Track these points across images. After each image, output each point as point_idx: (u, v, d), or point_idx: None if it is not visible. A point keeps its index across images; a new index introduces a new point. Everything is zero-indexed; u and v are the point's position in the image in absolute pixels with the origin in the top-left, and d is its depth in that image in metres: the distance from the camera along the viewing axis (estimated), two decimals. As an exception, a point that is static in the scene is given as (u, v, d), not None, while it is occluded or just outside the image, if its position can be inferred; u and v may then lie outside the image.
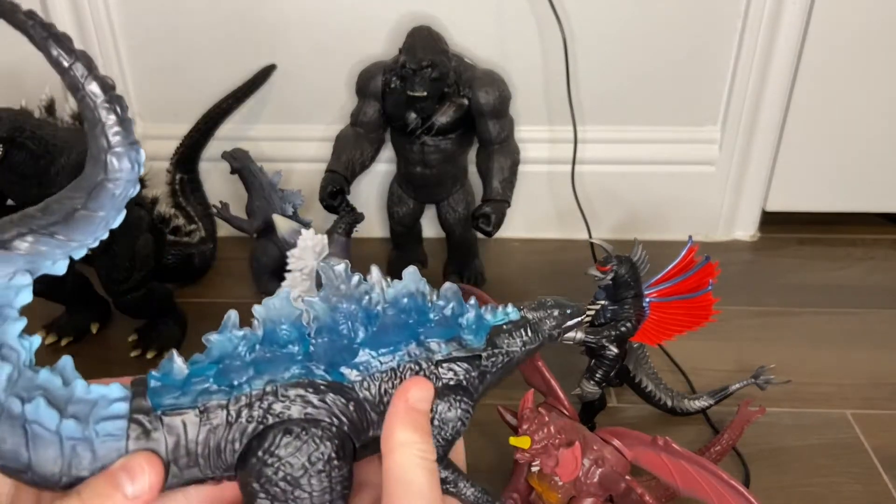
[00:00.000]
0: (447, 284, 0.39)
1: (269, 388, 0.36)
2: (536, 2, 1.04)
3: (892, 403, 0.90)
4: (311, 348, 0.36)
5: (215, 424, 0.35)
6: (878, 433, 0.85)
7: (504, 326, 0.41)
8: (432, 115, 0.97)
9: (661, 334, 0.78)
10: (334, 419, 0.36)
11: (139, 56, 1.11)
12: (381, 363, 0.38)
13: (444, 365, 0.39)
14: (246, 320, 0.36)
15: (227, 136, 1.13)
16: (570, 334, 0.79)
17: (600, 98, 1.11)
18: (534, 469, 0.67)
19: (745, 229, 1.22)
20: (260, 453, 0.35)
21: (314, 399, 0.36)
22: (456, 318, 0.39)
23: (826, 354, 0.97)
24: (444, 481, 0.39)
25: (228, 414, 0.35)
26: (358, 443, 0.38)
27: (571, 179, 1.12)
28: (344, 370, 0.37)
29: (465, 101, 0.98)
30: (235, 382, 0.35)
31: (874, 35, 1.05)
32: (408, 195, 1.06)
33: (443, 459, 0.39)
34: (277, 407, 0.36)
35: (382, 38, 1.07)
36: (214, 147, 1.12)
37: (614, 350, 0.78)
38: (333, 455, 0.36)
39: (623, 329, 0.77)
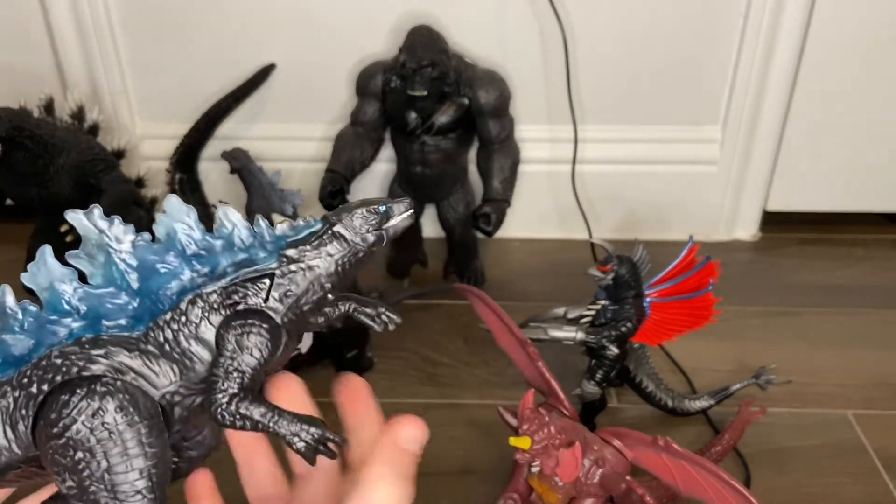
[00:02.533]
0: (223, 209, 0.36)
1: (46, 353, 0.34)
2: (537, 1, 1.04)
3: (893, 404, 0.89)
4: (83, 306, 0.35)
5: (5, 403, 0.34)
6: (879, 434, 0.85)
7: (302, 238, 0.37)
8: (432, 115, 0.97)
9: (662, 334, 0.77)
10: (115, 372, 0.34)
11: (138, 55, 1.11)
12: (163, 304, 0.35)
13: (230, 289, 0.36)
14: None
15: (226, 135, 1.12)
16: (570, 334, 0.80)
17: (601, 97, 1.11)
18: (534, 470, 0.67)
19: (746, 229, 1.21)
20: (42, 423, 0.33)
21: (90, 354, 0.34)
22: (243, 241, 0.36)
23: (827, 354, 0.97)
24: (245, 417, 0.35)
25: (14, 389, 0.34)
26: (156, 395, 0.35)
27: (572, 179, 1.11)
28: (124, 321, 0.35)
29: (466, 101, 0.97)
30: (19, 356, 0.34)
31: (875, 34, 1.05)
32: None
33: (244, 391, 0.35)
34: (51, 370, 0.34)
35: (382, 37, 1.07)
36: (214, 147, 1.11)
37: (615, 350, 0.78)
38: (118, 409, 0.33)
39: (623, 329, 0.77)
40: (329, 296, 0.38)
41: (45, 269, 0.34)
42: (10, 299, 0.34)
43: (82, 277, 0.35)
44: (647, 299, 0.77)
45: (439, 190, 1.04)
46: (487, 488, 0.77)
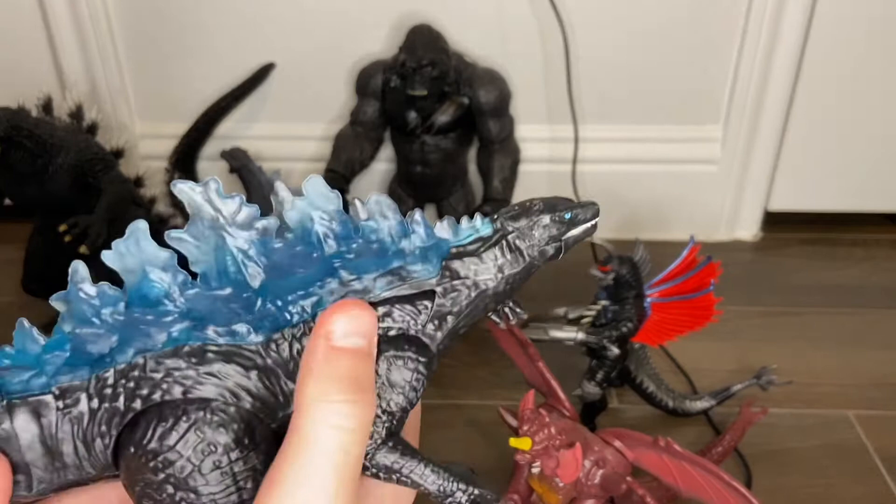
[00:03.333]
0: (377, 197, 0.29)
1: (138, 361, 0.28)
2: (537, 0, 1.04)
3: (894, 404, 0.89)
4: (191, 303, 0.28)
5: (78, 412, 0.28)
6: (880, 434, 0.85)
7: (469, 247, 0.30)
8: (432, 114, 0.97)
9: (663, 335, 0.77)
10: (230, 396, 0.28)
11: (137, 55, 1.11)
12: (290, 314, 0.29)
13: (381, 309, 0.30)
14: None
15: (225, 134, 1.12)
16: (570, 335, 0.79)
17: (601, 97, 1.11)
18: (534, 470, 0.66)
19: (747, 229, 1.21)
20: (132, 449, 0.28)
21: (199, 371, 0.28)
22: (395, 242, 0.29)
23: (828, 355, 0.97)
24: (390, 470, 0.29)
25: (90, 398, 0.28)
26: (274, 422, 0.29)
27: (572, 179, 1.11)
28: (238, 328, 0.28)
29: (466, 100, 0.97)
30: (96, 355, 0.28)
31: (877, 33, 1.05)
32: (407, 195, 1.06)
33: (390, 438, 0.29)
34: (147, 385, 0.28)
35: (382, 36, 1.07)
36: (213, 146, 1.11)
37: (615, 350, 0.77)
38: (232, 444, 0.28)
39: (624, 329, 0.76)
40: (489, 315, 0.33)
41: (138, 248, 0.27)
42: (85, 279, 0.27)
43: (184, 263, 0.28)
44: (648, 299, 0.77)
45: (439, 190, 1.04)
46: (488, 489, 0.77)
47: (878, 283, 1.11)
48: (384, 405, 0.29)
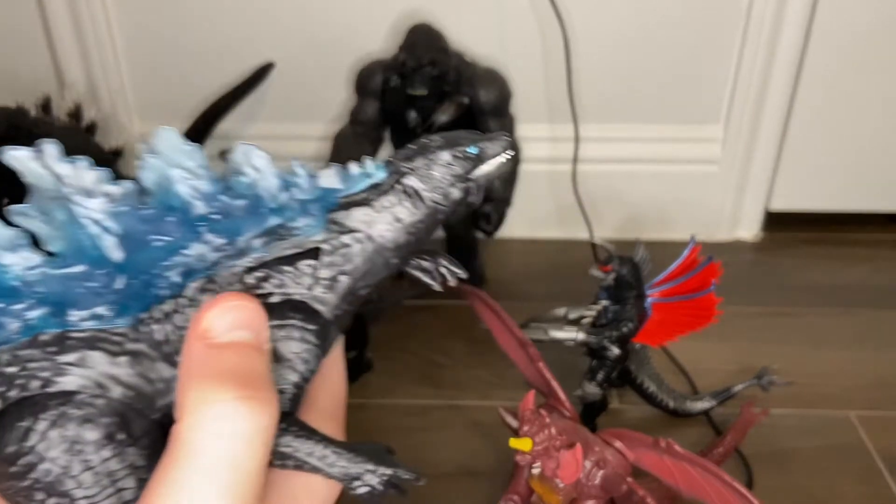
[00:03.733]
0: (244, 147, 0.26)
1: None
2: (537, -1, 1.04)
3: (896, 405, 0.89)
4: (42, 288, 0.24)
5: None
6: (882, 435, 0.85)
7: (359, 196, 0.27)
8: (432, 114, 0.96)
9: (664, 335, 0.77)
10: (96, 387, 0.25)
11: (136, 54, 1.11)
12: (158, 289, 0.25)
13: (258, 273, 0.26)
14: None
15: (225, 134, 1.12)
16: (571, 335, 0.79)
17: (601, 96, 1.11)
18: (535, 471, 0.66)
19: (748, 229, 1.21)
20: None
21: (58, 361, 0.24)
22: (272, 197, 0.26)
23: (830, 355, 0.96)
24: (284, 455, 0.25)
25: None
26: (154, 412, 0.26)
27: (573, 178, 1.11)
28: (101, 310, 0.25)
29: (466, 100, 0.97)
30: None
31: (879, 31, 1.04)
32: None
33: (282, 420, 0.25)
34: (3, 382, 0.24)
35: (382, 35, 1.06)
36: (212, 146, 1.11)
37: (616, 351, 0.77)
38: (103, 440, 0.24)
39: (625, 329, 0.76)
40: (392, 269, 0.28)
41: None
42: None
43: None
44: (649, 300, 0.77)
45: (439, 189, 1.04)
46: (487, 490, 0.77)
47: (880, 283, 1.11)
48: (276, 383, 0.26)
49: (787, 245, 1.20)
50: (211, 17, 1.07)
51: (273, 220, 0.26)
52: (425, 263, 0.31)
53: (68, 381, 0.24)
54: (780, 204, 1.19)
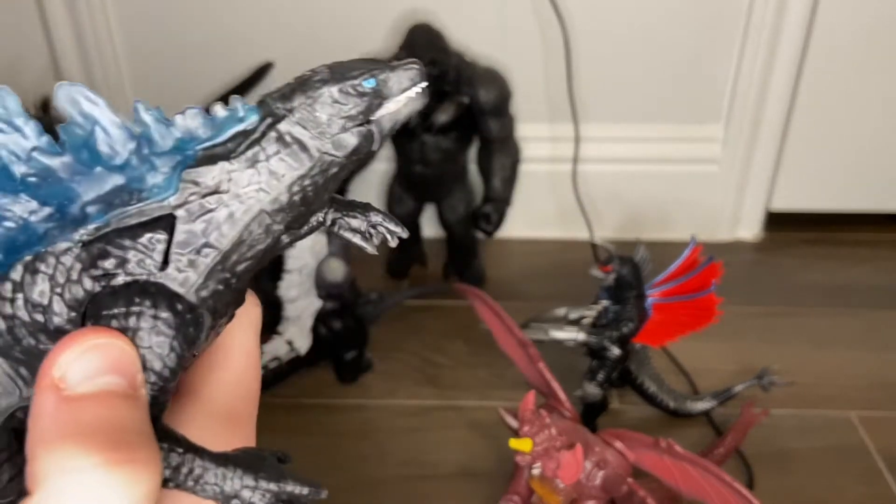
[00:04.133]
0: (69, 87, 0.20)
1: None
2: (537, -1, 1.04)
3: (897, 405, 0.89)
4: None
5: None
6: (882, 435, 0.85)
7: (226, 146, 0.22)
8: (432, 114, 0.96)
9: (664, 335, 0.77)
10: None
11: (135, 52, 1.11)
12: None
13: (96, 247, 0.21)
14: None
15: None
16: (571, 335, 0.79)
17: (602, 96, 1.11)
18: (535, 472, 0.66)
19: (749, 229, 1.21)
20: None
21: None
22: (111, 150, 0.21)
23: (830, 355, 0.96)
24: (171, 476, 0.21)
25: None
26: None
27: (573, 178, 1.11)
28: None
29: (466, 99, 0.97)
30: None
31: (880, 31, 1.04)
32: (407, 194, 1.06)
33: (154, 426, 0.20)
34: None
35: (382, 34, 1.06)
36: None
37: (616, 351, 0.77)
38: None
39: (625, 330, 0.76)
40: (283, 238, 0.23)
41: None
42: None
43: None
44: (649, 300, 0.76)
45: (439, 189, 1.04)
46: (488, 490, 0.77)
47: (880, 283, 1.10)
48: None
49: (787, 245, 1.20)
50: (210, 16, 1.07)
51: (114, 181, 0.21)
52: (355, 222, 0.25)
53: None
54: (781, 204, 1.19)
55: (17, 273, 0.20)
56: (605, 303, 0.78)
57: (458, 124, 0.98)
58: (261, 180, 0.21)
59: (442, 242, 1.11)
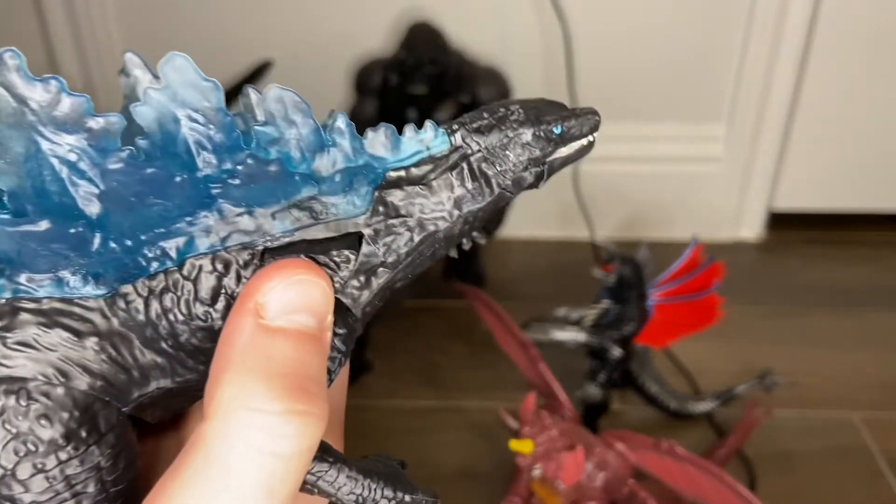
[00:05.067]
0: (278, 91, 0.21)
1: None
2: (538, -3, 1.03)
3: (900, 406, 0.89)
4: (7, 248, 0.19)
5: None
6: (885, 437, 0.85)
7: (415, 171, 0.22)
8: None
9: (666, 336, 0.77)
10: (56, 374, 0.20)
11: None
12: (147, 260, 0.20)
13: (280, 257, 0.21)
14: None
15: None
16: (572, 336, 0.79)
17: (602, 94, 1.10)
18: (535, 473, 0.66)
19: (751, 229, 1.21)
20: None
21: (6, 339, 0.20)
22: (305, 160, 0.21)
23: (833, 356, 0.96)
24: (306, 481, 0.21)
25: None
26: (126, 405, 0.21)
27: (573, 177, 1.11)
28: (67, 276, 0.20)
29: (466, 98, 0.97)
30: None
31: (884, 30, 1.04)
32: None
33: None
34: None
35: (381, 33, 1.06)
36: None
37: (617, 352, 0.77)
38: (61, 439, 0.20)
39: (626, 330, 0.76)
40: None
41: None
42: None
43: None
44: (651, 300, 0.76)
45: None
46: (488, 492, 0.76)
47: (883, 283, 1.10)
48: None
49: (790, 245, 1.19)
50: (209, 15, 1.07)
51: (305, 191, 0.21)
52: None
53: (20, 366, 0.20)
54: (784, 203, 1.19)
55: (189, 269, 0.21)
56: (606, 303, 0.78)
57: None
58: (444, 209, 0.22)
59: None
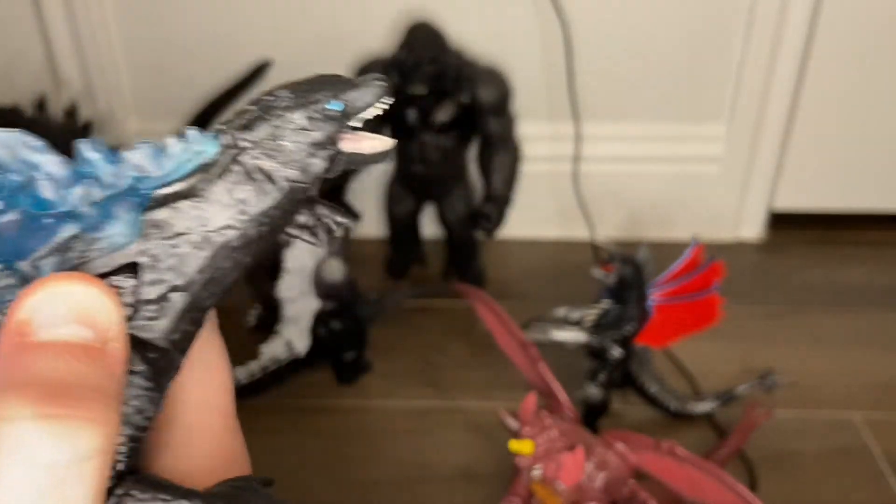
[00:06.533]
0: (6, 136, 0.20)
1: None
2: (538, -3, 1.03)
3: (901, 406, 0.89)
4: None
5: None
6: (886, 437, 0.85)
7: (185, 183, 0.20)
8: (432, 113, 0.96)
9: (666, 336, 0.77)
10: None
11: (133, 52, 1.11)
12: None
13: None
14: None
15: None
16: (572, 336, 0.79)
17: (603, 95, 1.10)
18: (535, 473, 0.66)
19: (752, 229, 1.21)
20: None
21: None
22: (61, 196, 0.20)
23: (834, 356, 0.96)
24: None
25: None
26: None
27: (573, 178, 1.11)
28: None
29: (466, 99, 0.97)
30: None
31: (884, 29, 1.04)
32: (407, 194, 1.06)
33: (121, 483, 0.20)
34: None
35: (381, 33, 1.06)
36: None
37: (618, 352, 0.78)
38: None
39: (627, 331, 0.76)
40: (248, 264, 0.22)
41: None
42: None
43: None
44: (651, 300, 0.76)
45: (439, 188, 1.04)
46: (488, 492, 0.77)
47: (884, 283, 1.10)
48: None
49: (790, 245, 1.19)
50: (208, 15, 1.07)
51: (68, 230, 0.19)
52: (301, 218, 0.24)
53: None
54: (784, 203, 1.19)
55: None
56: (606, 303, 0.78)
57: (458, 123, 0.98)
58: (227, 216, 0.21)
59: (442, 242, 1.11)
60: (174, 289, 0.20)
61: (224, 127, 0.21)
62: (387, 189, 1.08)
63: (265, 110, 0.21)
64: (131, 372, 0.20)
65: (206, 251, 0.20)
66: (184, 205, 0.20)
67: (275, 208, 0.21)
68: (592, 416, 0.83)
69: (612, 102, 1.11)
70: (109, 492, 0.19)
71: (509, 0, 1.04)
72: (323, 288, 0.86)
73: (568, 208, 1.14)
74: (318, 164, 0.21)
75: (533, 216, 1.18)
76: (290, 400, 0.89)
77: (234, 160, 0.21)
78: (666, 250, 0.76)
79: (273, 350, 0.87)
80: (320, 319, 0.88)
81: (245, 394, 0.87)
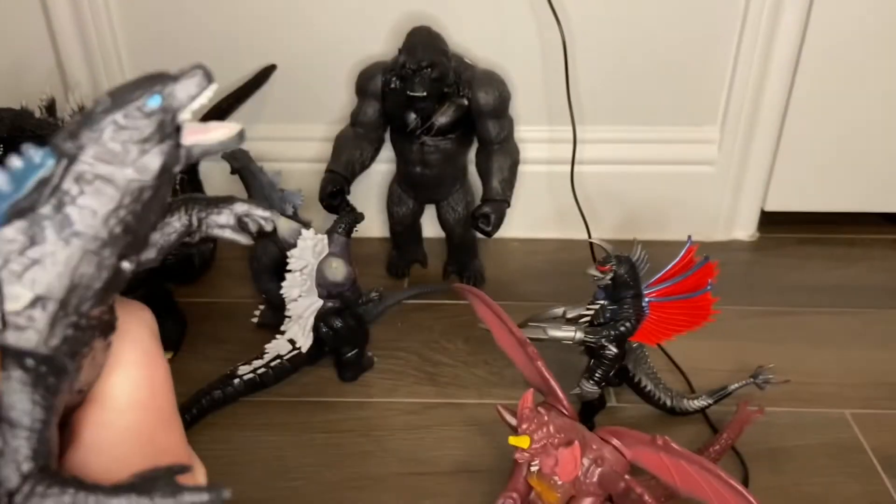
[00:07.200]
0: None
1: None
2: (536, 2, 1.04)
3: (891, 403, 0.89)
4: None
5: None
6: (877, 433, 0.85)
7: (29, 199, 0.21)
8: (432, 116, 0.97)
9: (661, 334, 0.77)
10: None
11: (140, 55, 1.11)
12: None
13: None
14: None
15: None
16: (569, 334, 0.80)
17: (600, 98, 1.11)
18: (533, 469, 0.67)
19: (745, 229, 1.22)
20: None
21: None
22: None
23: (825, 354, 0.97)
24: None
25: None
26: None
27: (571, 179, 1.11)
28: None
29: (465, 102, 0.97)
30: None
31: (874, 34, 1.05)
32: (407, 195, 1.06)
33: (34, 477, 0.21)
34: None
35: (382, 37, 1.07)
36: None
37: (614, 350, 0.78)
38: None
39: (622, 329, 0.77)
40: (125, 265, 0.23)
41: None
42: None
43: None
44: (646, 299, 0.77)
45: (439, 190, 1.04)
46: (487, 487, 0.77)
47: (875, 282, 1.11)
48: None
49: (782, 245, 1.20)
50: (215, 20, 1.08)
51: None
52: (221, 218, 0.25)
53: None
54: (776, 204, 1.19)
55: None
56: (602, 302, 0.78)
57: (458, 126, 0.99)
58: (74, 222, 0.21)
59: (442, 242, 1.11)
60: (38, 299, 0.21)
61: (56, 139, 0.22)
62: (388, 190, 1.09)
63: (87, 117, 0.21)
64: (10, 378, 0.20)
65: (61, 259, 0.21)
66: (31, 217, 0.21)
67: (120, 209, 0.21)
68: (589, 413, 0.84)
69: (609, 106, 1.12)
70: (15, 491, 0.20)
71: (508, 5, 1.05)
72: (325, 287, 0.87)
73: (566, 209, 1.15)
74: (153, 160, 0.21)
75: (531, 217, 1.19)
76: (292, 397, 0.90)
77: (67, 169, 0.21)
78: (661, 250, 0.77)
79: (276, 348, 0.88)
80: (322, 318, 0.88)
81: (249, 390, 0.88)
